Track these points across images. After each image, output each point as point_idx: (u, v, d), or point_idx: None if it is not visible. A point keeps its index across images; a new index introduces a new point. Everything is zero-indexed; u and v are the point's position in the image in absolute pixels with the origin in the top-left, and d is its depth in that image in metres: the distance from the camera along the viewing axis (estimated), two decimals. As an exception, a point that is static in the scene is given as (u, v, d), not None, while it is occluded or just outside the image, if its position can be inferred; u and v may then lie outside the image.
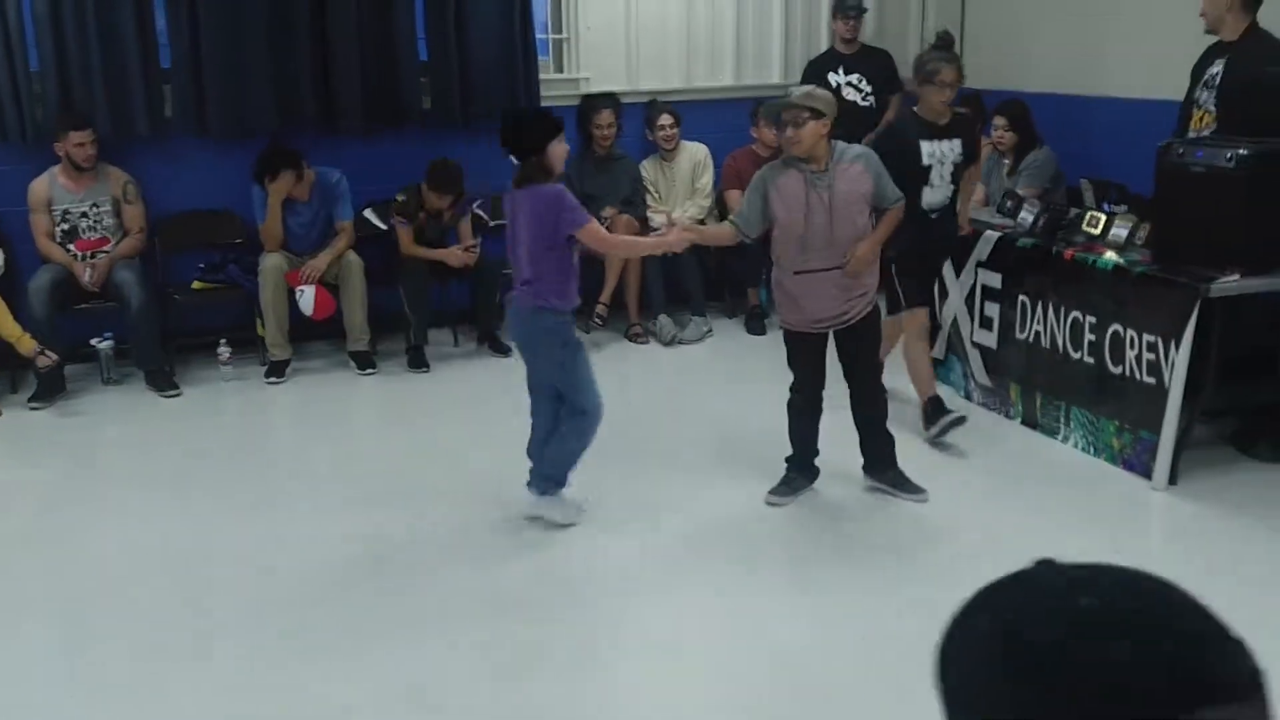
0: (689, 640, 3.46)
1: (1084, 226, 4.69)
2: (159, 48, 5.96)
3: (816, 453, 4.27)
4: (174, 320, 5.98)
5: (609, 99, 6.60)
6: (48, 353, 5.28)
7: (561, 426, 3.99)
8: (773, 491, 4.26)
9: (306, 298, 5.77)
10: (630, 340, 6.45)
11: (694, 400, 5.59)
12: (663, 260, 6.46)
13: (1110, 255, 4.50)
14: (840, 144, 4.03)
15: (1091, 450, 4.57)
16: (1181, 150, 4.18)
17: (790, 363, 4.21)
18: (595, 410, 3.95)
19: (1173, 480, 4.27)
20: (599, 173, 6.57)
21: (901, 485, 4.23)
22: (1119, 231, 4.56)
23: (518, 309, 4.00)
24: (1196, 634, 0.86)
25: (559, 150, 3.85)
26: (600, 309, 6.30)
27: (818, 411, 4.23)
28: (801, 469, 4.29)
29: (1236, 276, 4.08)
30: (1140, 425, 4.34)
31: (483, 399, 5.60)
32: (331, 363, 6.10)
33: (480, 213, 6.40)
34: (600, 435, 4.03)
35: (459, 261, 5.98)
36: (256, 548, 4.02)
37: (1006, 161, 5.96)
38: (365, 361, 5.95)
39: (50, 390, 5.48)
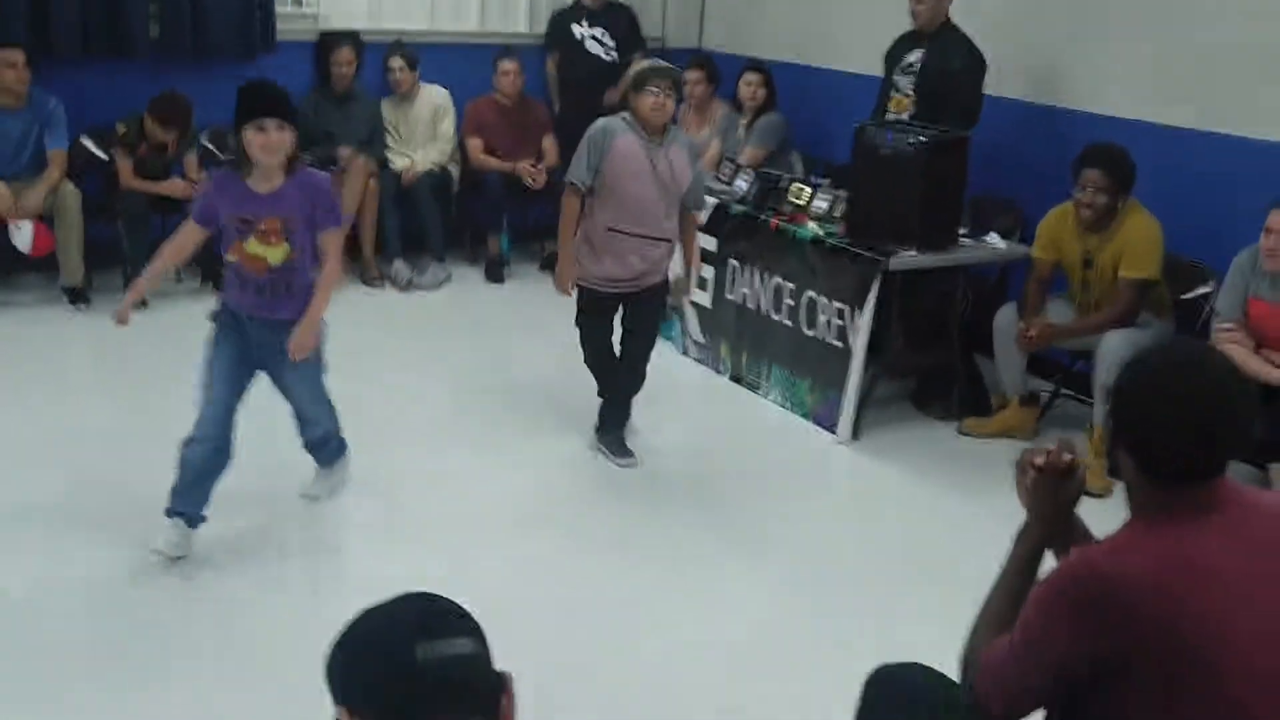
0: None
1: (790, 197, 5.00)
2: None
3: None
4: None
5: (348, 37, 6.50)
6: None
7: None
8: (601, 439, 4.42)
9: (24, 234, 5.48)
10: (365, 285, 6.43)
11: (432, 350, 5.63)
12: (400, 203, 6.48)
13: (810, 226, 4.82)
14: (673, 126, 4.16)
15: (789, 406, 4.92)
16: (873, 132, 4.52)
17: (579, 321, 4.35)
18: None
19: (855, 435, 4.67)
20: (335, 111, 6.48)
21: (617, 450, 4.40)
22: (820, 203, 4.89)
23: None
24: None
25: (252, 138, 3.39)
26: (335, 253, 6.25)
27: (612, 357, 4.39)
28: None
29: (913, 252, 4.47)
30: (829, 384, 4.70)
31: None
32: (45, 295, 5.83)
33: (210, 146, 6.21)
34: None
35: (183, 194, 5.79)
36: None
37: (743, 121, 6.21)
38: (78, 296, 5.72)
39: None
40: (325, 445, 3.86)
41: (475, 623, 1.28)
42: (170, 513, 3.44)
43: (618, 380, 4.42)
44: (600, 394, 4.45)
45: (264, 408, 3.72)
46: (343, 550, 3.85)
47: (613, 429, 4.43)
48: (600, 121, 4.18)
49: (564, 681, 2.94)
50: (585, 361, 4.45)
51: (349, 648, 1.26)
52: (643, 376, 4.43)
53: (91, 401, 4.82)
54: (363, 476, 4.02)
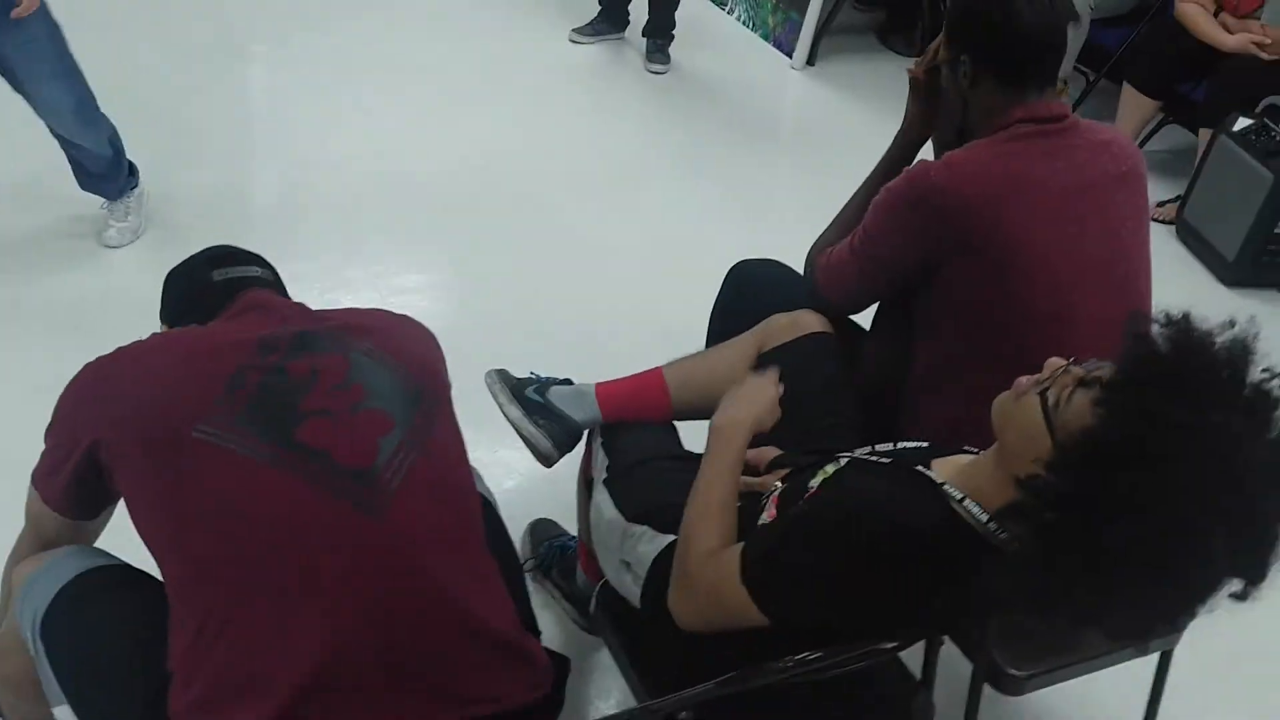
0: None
1: None
2: None
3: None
4: None
5: None
6: None
7: None
8: (577, 30, 4.52)
9: None
10: None
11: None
12: None
13: None
14: None
15: (751, 25, 4.86)
16: None
17: None
18: None
19: (810, 61, 4.66)
20: None
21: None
22: None
23: None
24: None
25: None
26: None
27: None
28: (610, 15, 4.52)
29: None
30: (792, 6, 4.63)
31: None
32: None
33: None
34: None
35: None
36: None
37: None
38: None
39: None
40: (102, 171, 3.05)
41: (265, 260, 1.67)
42: None
43: None
44: None
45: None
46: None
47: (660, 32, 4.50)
48: None
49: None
50: None
51: (166, 280, 1.66)
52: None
53: None
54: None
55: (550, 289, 3.17)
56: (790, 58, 4.66)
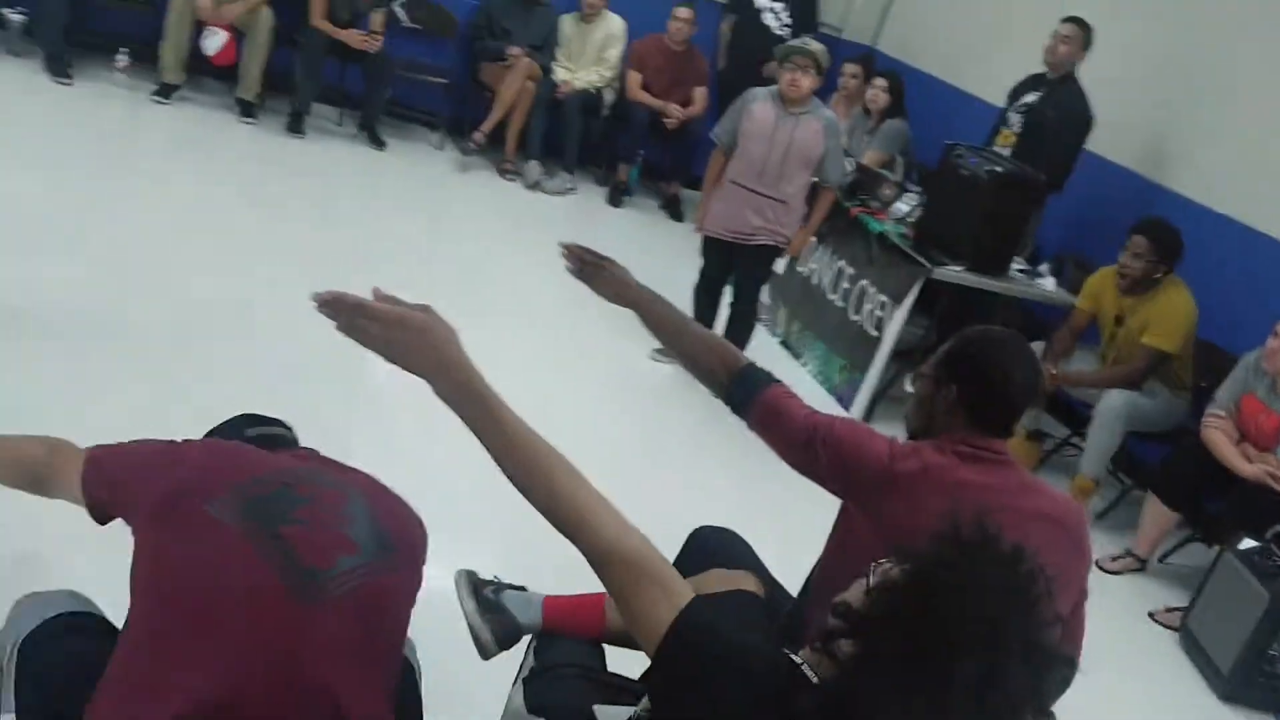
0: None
1: (878, 193, 5.33)
2: None
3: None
4: (84, 15, 6.34)
5: (548, -49, 7.01)
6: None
7: None
8: (659, 350, 4.78)
9: (216, 40, 6.17)
10: (499, 174, 6.97)
11: (538, 245, 6.14)
12: (550, 110, 6.97)
13: (885, 222, 5.15)
14: (817, 100, 4.57)
15: (820, 379, 5.29)
16: (960, 154, 4.81)
17: (703, 254, 4.87)
18: None
19: (866, 419, 5.01)
20: (518, 11, 7.00)
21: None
22: (901, 206, 5.21)
23: None
24: None
25: None
26: (479, 135, 6.79)
27: (716, 300, 4.88)
28: None
29: (961, 268, 4.76)
30: (857, 368, 5.05)
31: (338, 180, 6.13)
32: (219, 103, 6.54)
33: (399, 11, 6.84)
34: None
35: (358, 44, 6.40)
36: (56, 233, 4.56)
37: (870, 121, 6.55)
38: (249, 110, 6.41)
39: (-50, 40, 5.85)
40: None
41: (291, 426, 2.09)
42: None
43: (710, 317, 4.88)
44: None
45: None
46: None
47: None
48: (749, 90, 4.68)
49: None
50: (694, 288, 4.92)
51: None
52: (749, 326, 4.88)
53: (241, 199, 5.49)
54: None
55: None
56: (847, 411, 5.03)
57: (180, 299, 4.16)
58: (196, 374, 3.64)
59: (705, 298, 4.91)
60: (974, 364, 2.07)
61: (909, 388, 5.15)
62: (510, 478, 1.42)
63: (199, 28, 6.20)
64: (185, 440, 1.80)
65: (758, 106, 4.56)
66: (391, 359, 1.39)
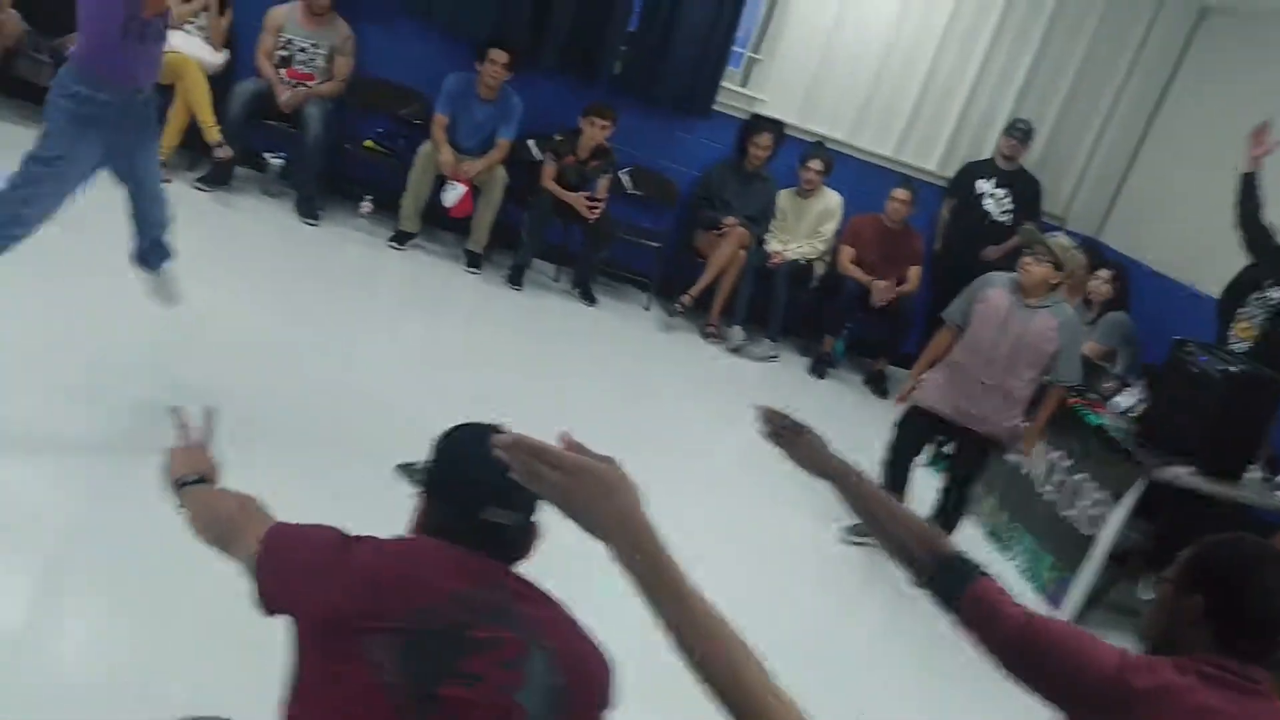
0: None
1: (1098, 385, 5.11)
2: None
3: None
4: (337, 165, 6.83)
5: (774, 125, 7.18)
6: (227, 147, 6.19)
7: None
8: (850, 529, 4.67)
9: (455, 193, 6.53)
10: (703, 336, 7.04)
11: (734, 408, 6.13)
12: (759, 278, 7.04)
13: (1103, 415, 4.91)
14: (1057, 297, 4.48)
15: (1028, 576, 5.01)
16: (1190, 350, 4.58)
17: (895, 423, 4.73)
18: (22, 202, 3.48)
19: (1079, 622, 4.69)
20: (738, 184, 7.17)
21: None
22: (1123, 401, 4.97)
23: None
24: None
25: None
26: (687, 298, 6.90)
27: (907, 475, 4.70)
28: None
29: (1190, 470, 4.47)
30: (1068, 568, 4.76)
31: (549, 332, 6.31)
32: (448, 253, 6.88)
33: (624, 178, 7.11)
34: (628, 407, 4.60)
35: (583, 209, 6.67)
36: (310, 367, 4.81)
37: (1091, 312, 6.34)
38: (475, 262, 6.71)
39: (218, 179, 6.39)
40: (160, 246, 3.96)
41: (535, 501, 1.72)
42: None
43: (901, 493, 4.61)
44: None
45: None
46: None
47: None
48: (988, 274, 4.66)
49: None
50: (882, 461, 4.75)
51: (453, 442, 1.82)
52: (959, 514, 4.71)
53: (458, 342, 5.70)
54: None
55: None
56: (1057, 609, 4.73)
57: (386, 426, 4.28)
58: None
59: (898, 472, 4.75)
60: (1226, 576, 1.88)
61: (1144, 594, 4.83)
62: (685, 658, 1.27)
63: (440, 181, 6.59)
64: (360, 538, 1.68)
65: (994, 292, 4.49)
66: (568, 512, 1.26)
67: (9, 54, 6.20)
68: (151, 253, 3.96)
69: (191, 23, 6.47)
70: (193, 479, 2.02)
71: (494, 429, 1.52)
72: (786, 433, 2.20)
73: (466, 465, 1.73)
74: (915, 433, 4.68)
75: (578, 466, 1.26)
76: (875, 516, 2.12)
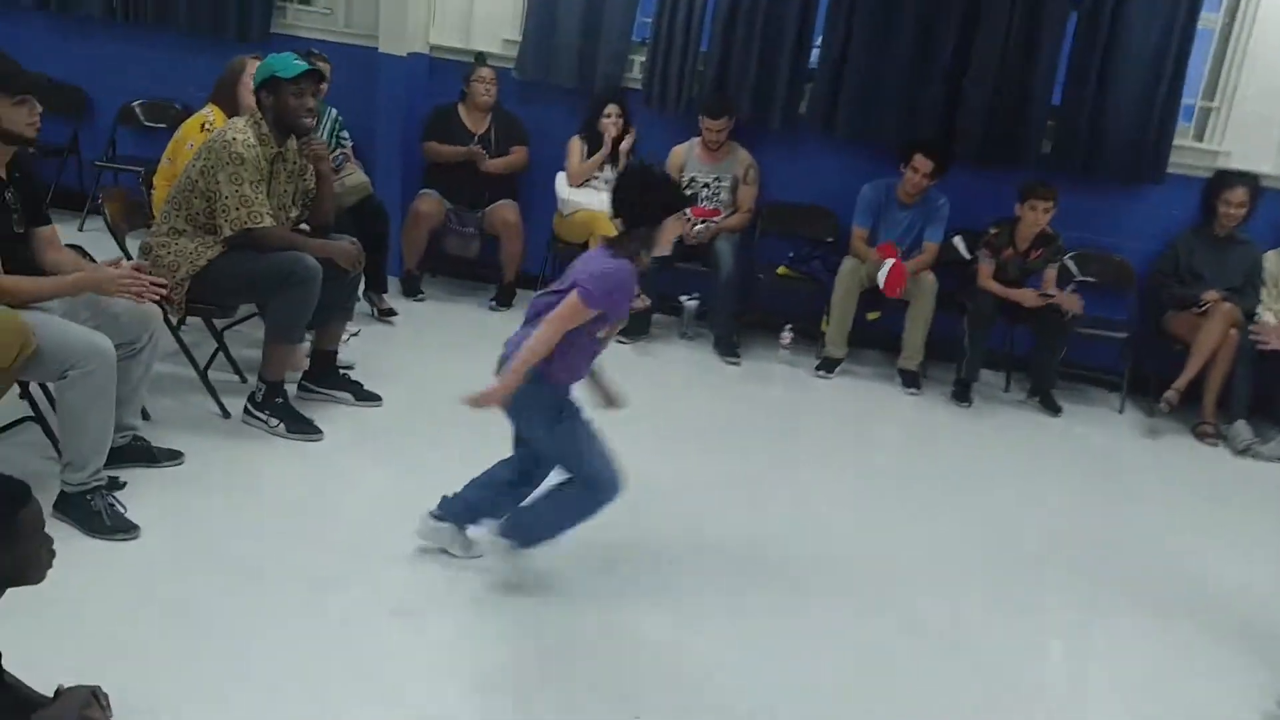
0: None
1: None
2: (810, 50, 6.44)
3: None
4: (753, 297, 6.47)
5: (1248, 178, 6.09)
6: (644, 297, 5.97)
7: (565, 487, 3.51)
8: None
9: (884, 269, 5.91)
10: (1197, 438, 5.93)
11: (1250, 527, 4.97)
12: (1256, 359, 5.87)
13: None
14: None
15: None
16: None
17: None
18: (594, 484, 3.41)
19: None
20: (1212, 252, 6.10)
21: None
22: None
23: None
24: None
25: (671, 228, 3.31)
26: (1172, 394, 5.85)
27: None
28: None
29: None
30: None
31: (1005, 451, 5.48)
32: (880, 374, 6.28)
33: (1070, 264, 6.24)
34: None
35: (1032, 304, 5.86)
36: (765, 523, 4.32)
37: None
38: (912, 381, 6.06)
39: (637, 330, 6.19)
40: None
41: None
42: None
43: None
44: None
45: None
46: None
47: None
48: None
49: None
50: None
51: None
52: None
53: (902, 470, 5.05)
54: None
55: None
56: None
57: (824, 558, 3.78)
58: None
59: None
60: None
61: None
62: None
63: (864, 301, 6.05)
64: None
65: None
66: None
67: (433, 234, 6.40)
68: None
69: (596, 177, 6.42)
70: None
71: None
72: None
73: None
74: None
75: None
76: None
